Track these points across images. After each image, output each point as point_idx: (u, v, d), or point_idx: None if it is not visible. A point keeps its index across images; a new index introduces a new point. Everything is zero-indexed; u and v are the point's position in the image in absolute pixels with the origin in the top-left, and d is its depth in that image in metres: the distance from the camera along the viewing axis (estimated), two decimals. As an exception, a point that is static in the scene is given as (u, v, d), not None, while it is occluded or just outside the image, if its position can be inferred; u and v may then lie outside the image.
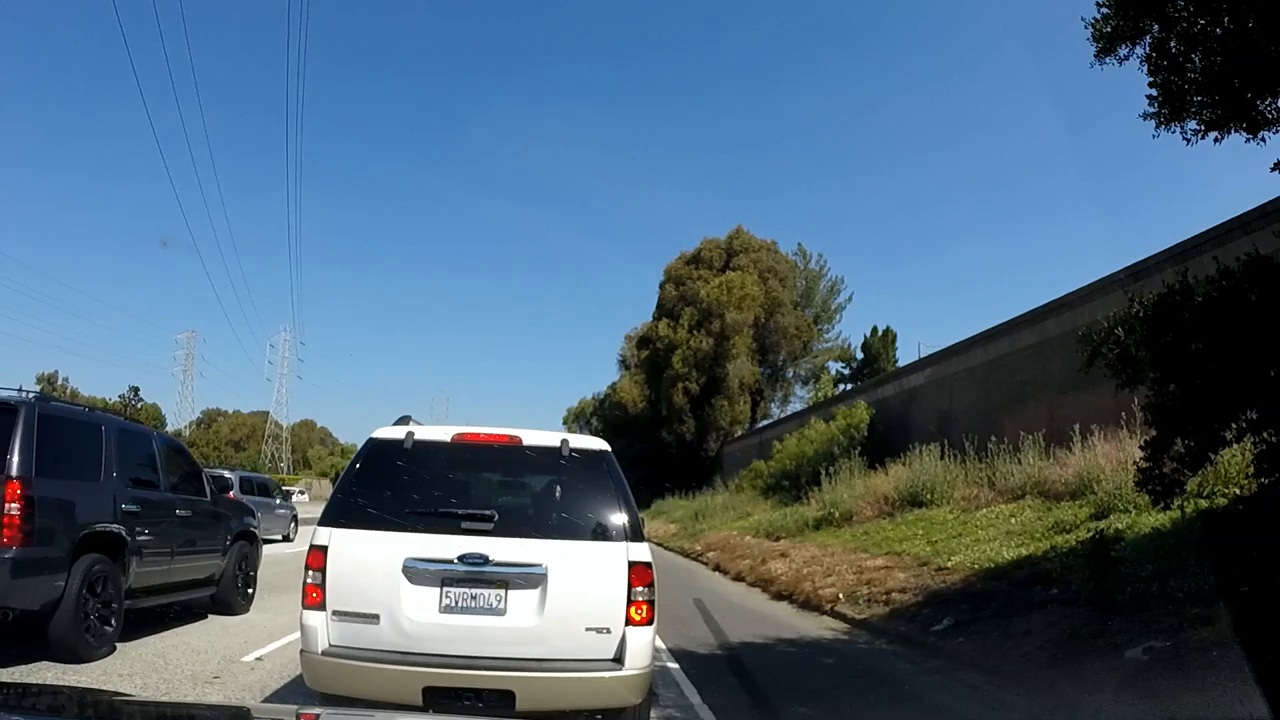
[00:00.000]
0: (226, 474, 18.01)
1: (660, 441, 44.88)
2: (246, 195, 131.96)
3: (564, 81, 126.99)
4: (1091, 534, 8.28)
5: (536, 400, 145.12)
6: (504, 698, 4.18)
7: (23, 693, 2.59)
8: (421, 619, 4.30)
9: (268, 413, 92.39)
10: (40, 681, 5.67)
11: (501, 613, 4.35)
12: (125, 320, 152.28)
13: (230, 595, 9.57)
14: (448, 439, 4.82)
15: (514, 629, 4.32)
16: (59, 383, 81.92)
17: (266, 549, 12.79)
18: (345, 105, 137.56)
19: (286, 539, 22.15)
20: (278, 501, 22.79)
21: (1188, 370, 6.31)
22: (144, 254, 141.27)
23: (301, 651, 4.39)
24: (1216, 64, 6.03)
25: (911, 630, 9.24)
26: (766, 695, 7.01)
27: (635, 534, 4.57)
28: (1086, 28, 6.49)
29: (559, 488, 4.87)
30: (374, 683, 4.24)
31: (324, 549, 4.38)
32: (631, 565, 4.44)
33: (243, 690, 6.08)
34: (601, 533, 4.59)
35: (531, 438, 4.85)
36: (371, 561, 4.37)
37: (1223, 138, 6.30)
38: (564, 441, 4.82)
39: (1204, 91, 6.23)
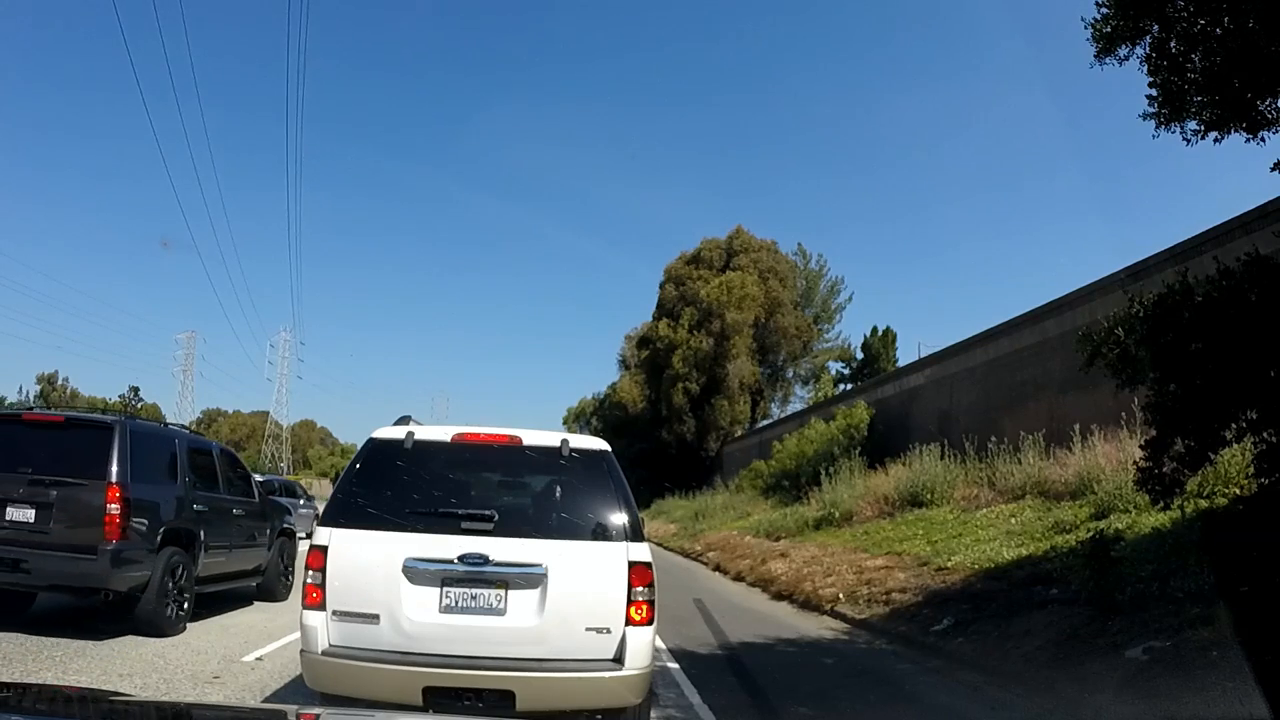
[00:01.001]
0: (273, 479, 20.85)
1: (660, 441, 44.86)
2: (246, 195, 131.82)
3: (564, 81, 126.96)
4: (1091, 534, 8.28)
5: (536, 400, 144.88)
6: (504, 698, 4.18)
7: (23, 692, 2.56)
8: (421, 619, 4.30)
9: (268, 413, 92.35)
10: (40, 681, 5.68)
11: (501, 613, 4.35)
12: (125, 320, 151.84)
13: (274, 583, 10.86)
14: (448, 439, 4.82)
15: (514, 629, 4.32)
16: (59, 383, 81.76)
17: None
18: (345, 105, 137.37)
19: (309, 535, 22.71)
20: (301, 501, 24.64)
21: (1188, 370, 6.31)
22: (144, 254, 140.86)
23: (301, 651, 4.40)
24: (1216, 64, 6.03)
25: (911, 630, 9.24)
26: (767, 695, 7.01)
27: (635, 534, 4.58)
28: (1086, 28, 6.49)
29: (559, 488, 4.89)
30: (374, 683, 4.25)
31: (324, 549, 4.39)
32: (632, 565, 4.44)
33: (243, 690, 6.08)
34: (602, 533, 4.59)
35: (531, 438, 4.85)
36: (371, 561, 4.37)
37: (1223, 138, 6.31)
38: (564, 441, 4.82)
39: (1204, 91, 6.23)
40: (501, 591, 4.37)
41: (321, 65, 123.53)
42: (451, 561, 4.34)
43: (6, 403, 76.13)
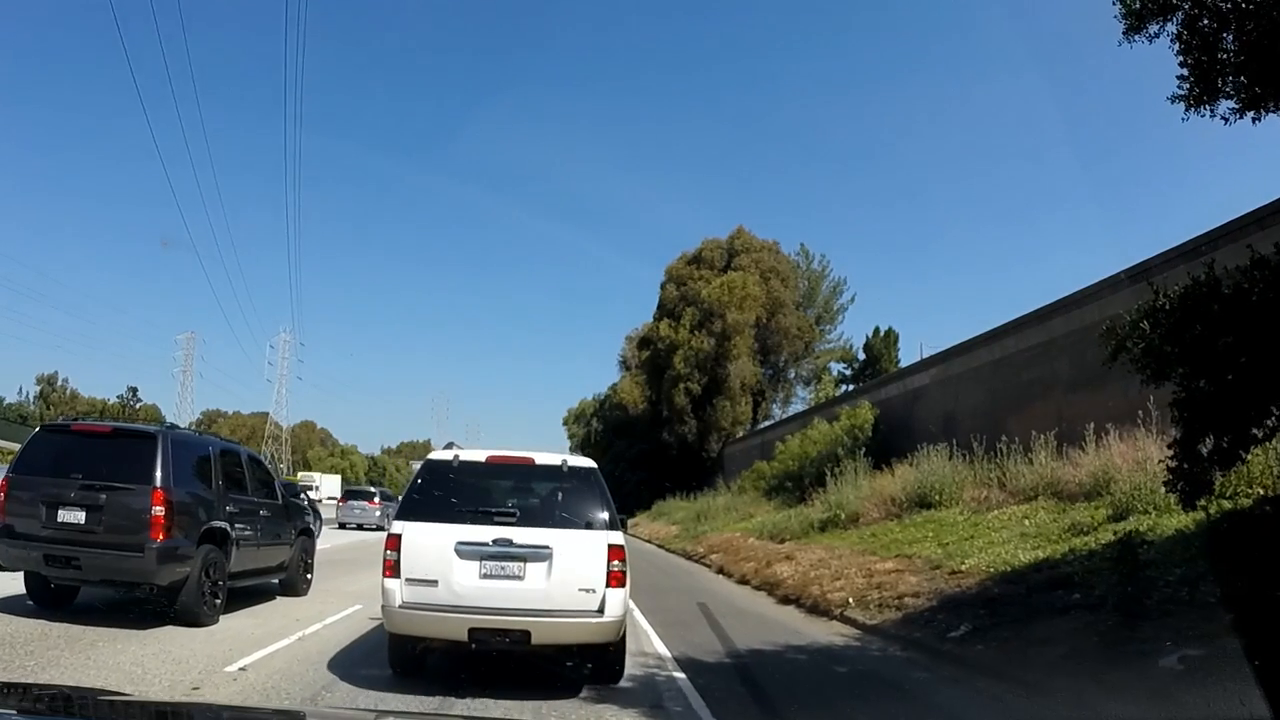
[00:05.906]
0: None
1: (661, 442, 44.57)
2: (246, 195, 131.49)
3: (564, 81, 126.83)
4: (1118, 536, 7.97)
5: (537, 401, 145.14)
6: (524, 635, 6.13)
7: (22, 692, 2.61)
8: (467, 583, 6.19)
9: (268, 414, 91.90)
10: (40, 681, 5.36)
11: (522, 578, 6.24)
12: (125, 320, 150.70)
13: (295, 578, 11.43)
14: (483, 460, 6.88)
15: (530, 589, 6.21)
16: (59, 383, 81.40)
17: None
18: (344, 104, 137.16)
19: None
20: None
21: (1218, 365, 6.01)
22: (144, 254, 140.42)
23: (383, 607, 6.27)
24: (1253, 36, 5.70)
25: (926, 636, 8.89)
26: (777, 707, 6.69)
27: (614, 525, 6.59)
28: (1115, 3, 6.17)
29: (560, 493, 6.84)
30: (434, 626, 6.21)
31: (398, 536, 6.31)
32: (610, 546, 6.35)
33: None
34: (589, 524, 6.56)
35: (541, 458, 6.96)
36: (432, 544, 6.26)
37: (1261, 117, 5.97)
38: (564, 461, 6.96)
39: (1239, 70, 5.91)
40: (522, 564, 6.25)
41: (321, 64, 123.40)
42: (487, 544, 6.24)
43: (5, 403, 75.80)
